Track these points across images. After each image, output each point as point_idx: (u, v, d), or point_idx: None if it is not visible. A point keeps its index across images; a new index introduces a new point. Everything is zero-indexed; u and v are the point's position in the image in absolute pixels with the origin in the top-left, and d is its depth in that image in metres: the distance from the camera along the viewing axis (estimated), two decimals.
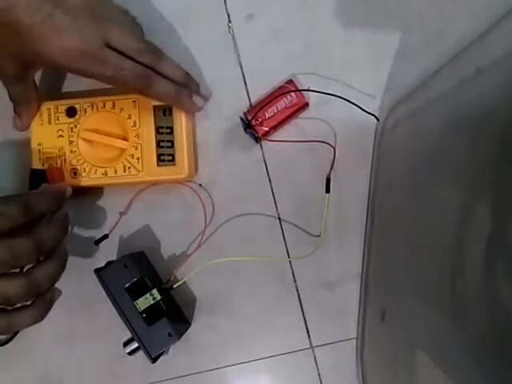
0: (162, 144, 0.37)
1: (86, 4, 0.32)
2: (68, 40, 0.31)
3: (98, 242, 0.39)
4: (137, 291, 0.35)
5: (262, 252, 0.39)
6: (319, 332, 0.40)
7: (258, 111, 0.38)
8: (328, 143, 0.39)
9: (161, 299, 0.35)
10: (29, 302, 0.30)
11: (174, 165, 0.37)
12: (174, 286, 0.37)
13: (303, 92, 0.38)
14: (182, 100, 0.36)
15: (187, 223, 0.40)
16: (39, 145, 0.38)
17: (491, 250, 0.22)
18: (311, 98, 0.39)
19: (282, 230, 0.40)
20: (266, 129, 0.38)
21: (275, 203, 0.40)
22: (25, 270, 0.30)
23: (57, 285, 0.40)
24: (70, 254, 0.40)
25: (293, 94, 0.38)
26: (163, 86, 0.35)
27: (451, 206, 0.26)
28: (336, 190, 0.39)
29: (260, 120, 0.38)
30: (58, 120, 0.38)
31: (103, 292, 0.35)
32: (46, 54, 0.31)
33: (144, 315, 0.35)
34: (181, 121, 0.37)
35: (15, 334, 0.39)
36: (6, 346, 0.39)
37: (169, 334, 0.35)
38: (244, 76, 0.40)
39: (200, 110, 0.38)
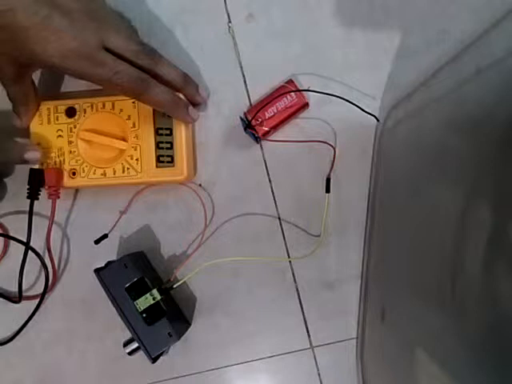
0: (161, 145, 0.37)
1: (83, 6, 0.32)
2: (66, 42, 0.31)
3: (97, 241, 0.39)
4: (137, 291, 0.35)
5: (262, 252, 0.39)
6: (319, 332, 0.40)
7: (258, 111, 0.38)
8: (328, 143, 0.39)
9: (161, 299, 0.35)
10: None
11: (173, 166, 0.37)
12: (174, 286, 0.37)
13: (303, 92, 0.38)
14: (177, 110, 0.36)
15: (187, 223, 0.40)
16: (38, 144, 0.38)
17: (491, 250, 0.22)
18: (311, 98, 0.39)
19: (282, 230, 0.40)
20: (266, 129, 0.38)
21: (275, 203, 0.40)
22: None
23: (57, 283, 0.40)
24: (70, 254, 0.40)
25: (293, 94, 0.38)
26: (159, 92, 0.34)
27: (451, 205, 0.26)
28: (336, 190, 0.39)
29: (260, 120, 0.38)
30: (57, 120, 0.38)
31: (103, 292, 0.35)
32: (43, 55, 0.31)
33: (144, 315, 0.35)
34: (180, 122, 0.37)
35: (17, 333, 0.39)
36: (5, 346, 0.40)
37: (169, 333, 0.35)
38: (244, 76, 0.40)
39: (194, 121, 0.38)
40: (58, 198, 0.38)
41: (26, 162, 0.37)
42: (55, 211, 0.37)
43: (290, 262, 0.40)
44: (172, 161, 0.37)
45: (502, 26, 0.29)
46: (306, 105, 0.39)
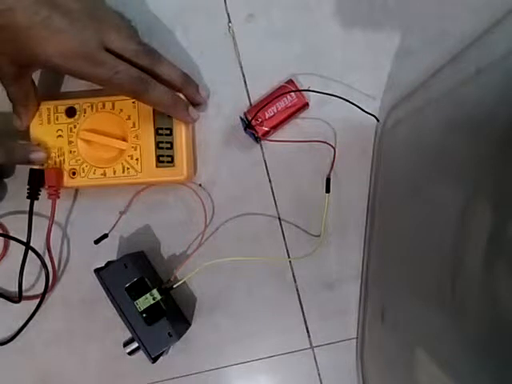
0: (161, 145, 0.37)
1: (84, 7, 0.32)
2: (66, 42, 0.31)
3: (97, 241, 0.39)
4: (137, 291, 0.35)
5: (262, 252, 0.39)
6: (319, 332, 0.40)
7: (258, 111, 0.38)
8: (328, 143, 0.39)
9: (161, 299, 0.35)
10: None
11: (173, 166, 0.37)
12: (174, 286, 0.37)
13: (303, 92, 0.38)
14: (177, 110, 0.36)
15: (187, 223, 0.40)
16: (38, 145, 0.38)
17: (491, 250, 0.22)
18: (311, 98, 0.39)
19: (282, 230, 0.40)
20: (266, 129, 0.38)
21: (275, 203, 0.40)
22: None
23: (57, 283, 0.40)
24: (70, 254, 0.40)
25: (293, 93, 0.38)
26: (159, 92, 0.34)
27: (451, 205, 0.26)
28: (336, 190, 0.39)
29: (260, 120, 0.38)
30: (57, 120, 0.38)
31: (103, 292, 0.35)
32: (44, 55, 0.31)
33: (144, 315, 0.35)
34: (180, 122, 0.37)
35: (17, 333, 0.39)
36: (5, 346, 0.40)
37: (169, 333, 0.35)
38: (244, 76, 0.40)
39: (194, 121, 0.38)
40: (58, 197, 0.38)
41: (30, 162, 0.37)
42: (55, 211, 0.37)
43: (289, 262, 0.40)
44: (172, 161, 0.37)
45: (501, 25, 0.29)
46: (306, 105, 0.39)
